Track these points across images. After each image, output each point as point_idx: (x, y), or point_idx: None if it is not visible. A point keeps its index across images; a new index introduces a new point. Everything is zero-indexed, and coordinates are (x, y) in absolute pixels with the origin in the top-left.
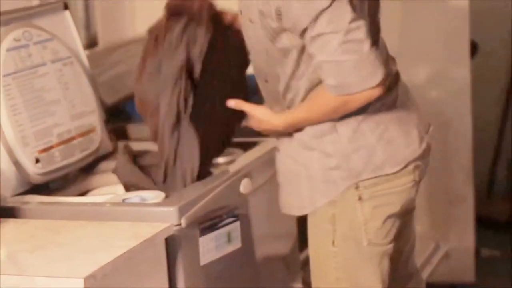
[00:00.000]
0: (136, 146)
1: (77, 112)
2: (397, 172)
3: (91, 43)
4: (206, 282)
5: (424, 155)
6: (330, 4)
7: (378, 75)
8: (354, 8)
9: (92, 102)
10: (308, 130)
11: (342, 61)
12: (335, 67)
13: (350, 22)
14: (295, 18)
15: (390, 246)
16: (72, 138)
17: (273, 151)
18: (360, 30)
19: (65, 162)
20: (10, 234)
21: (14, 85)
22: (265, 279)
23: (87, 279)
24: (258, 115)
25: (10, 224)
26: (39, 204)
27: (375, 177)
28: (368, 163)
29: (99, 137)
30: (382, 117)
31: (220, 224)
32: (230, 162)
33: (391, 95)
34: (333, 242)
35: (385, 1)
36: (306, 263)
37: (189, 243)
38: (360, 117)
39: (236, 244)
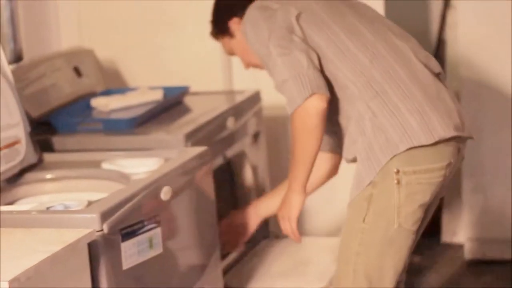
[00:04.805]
0: (61, 157)
1: (2, 125)
2: (435, 149)
3: (17, 57)
4: (128, 285)
5: (454, 152)
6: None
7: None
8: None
9: (16, 115)
10: (351, 120)
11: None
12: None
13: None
14: None
15: (413, 236)
16: None
17: (192, 160)
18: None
19: None
20: None
21: None
22: (187, 285)
23: (11, 282)
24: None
25: None
26: None
27: (412, 148)
28: (404, 134)
29: (24, 149)
30: (416, 97)
31: (142, 230)
32: (152, 170)
33: (433, 85)
34: (364, 219)
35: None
36: (227, 270)
37: (112, 248)
38: (391, 93)
39: (158, 250)
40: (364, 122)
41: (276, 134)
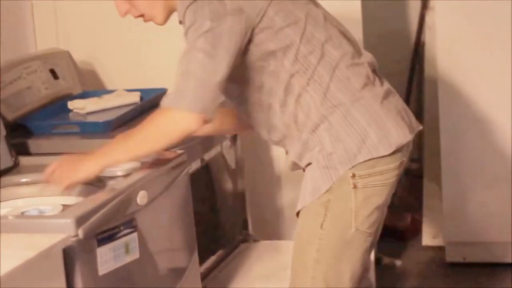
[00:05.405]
0: (37, 161)
1: None
2: (391, 154)
3: None
4: None
5: (409, 150)
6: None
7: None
8: None
9: None
10: (303, 129)
11: None
12: None
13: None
14: None
15: (370, 238)
16: None
17: (168, 164)
18: None
19: None
20: None
21: None
22: None
23: None
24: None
25: None
26: None
27: (371, 159)
28: (362, 146)
29: None
30: (371, 105)
31: (118, 235)
32: (128, 174)
33: (381, 86)
34: (321, 225)
35: None
36: (206, 275)
37: (87, 254)
38: (348, 104)
39: (134, 255)
40: (320, 131)
41: (254, 136)
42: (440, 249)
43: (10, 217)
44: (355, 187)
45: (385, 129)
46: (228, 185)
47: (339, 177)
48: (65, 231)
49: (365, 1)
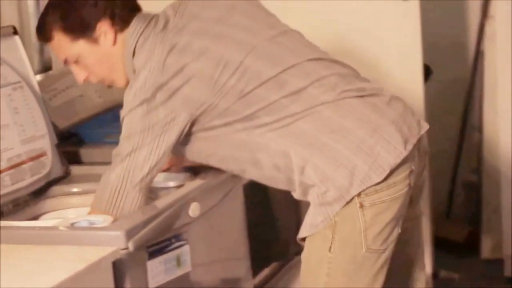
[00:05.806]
0: (89, 170)
1: (28, 137)
2: (387, 178)
3: (45, 67)
4: None
5: (414, 157)
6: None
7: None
8: None
9: (42, 126)
10: (291, 172)
11: None
12: None
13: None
14: None
15: (386, 253)
16: (22, 162)
17: (222, 175)
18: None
19: (15, 187)
20: None
21: None
22: None
23: None
24: None
25: None
26: None
27: (368, 187)
28: (353, 178)
29: (50, 161)
30: (353, 132)
31: (169, 248)
32: (179, 186)
33: (370, 100)
34: (330, 248)
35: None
36: (260, 287)
37: (138, 267)
38: (329, 134)
39: (186, 268)
40: (307, 172)
41: None
42: (500, 262)
43: (61, 228)
44: (361, 206)
45: (374, 154)
46: (282, 197)
47: (340, 207)
48: (115, 244)
49: (423, 4)
